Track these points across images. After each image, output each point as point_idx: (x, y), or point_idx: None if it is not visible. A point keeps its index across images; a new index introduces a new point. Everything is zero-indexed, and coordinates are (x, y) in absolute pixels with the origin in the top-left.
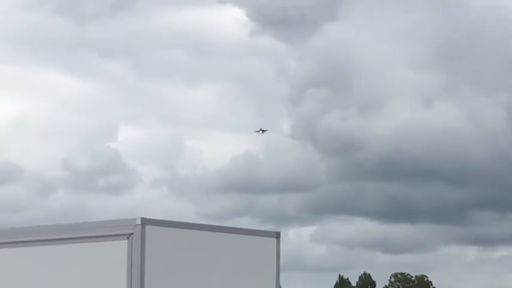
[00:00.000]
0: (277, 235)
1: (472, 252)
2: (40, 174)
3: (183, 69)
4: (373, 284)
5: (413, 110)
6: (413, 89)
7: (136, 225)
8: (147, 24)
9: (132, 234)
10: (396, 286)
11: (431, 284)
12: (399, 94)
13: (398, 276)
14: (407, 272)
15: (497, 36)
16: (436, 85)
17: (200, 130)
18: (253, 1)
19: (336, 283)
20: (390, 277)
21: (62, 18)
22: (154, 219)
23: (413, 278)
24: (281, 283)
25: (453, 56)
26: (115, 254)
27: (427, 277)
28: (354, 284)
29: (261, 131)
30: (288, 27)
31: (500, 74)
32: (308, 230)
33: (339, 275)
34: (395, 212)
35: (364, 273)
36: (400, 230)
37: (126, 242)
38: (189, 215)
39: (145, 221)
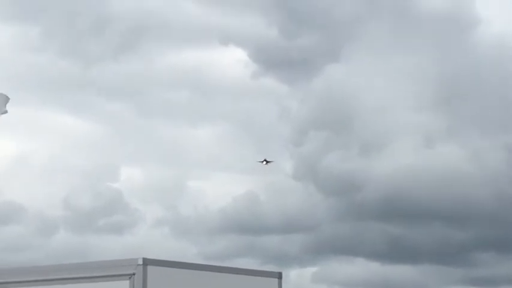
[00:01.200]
0: (279, 275)
1: None
2: (42, 214)
3: (185, 110)
4: None
5: (415, 150)
6: (415, 130)
7: (138, 265)
8: (149, 66)
9: (134, 274)
10: None
11: None
12: (401, 135)
13: None
14: None
15: (498, 77)
16: (438, 126)
17: (202, 170)
18: (256, 43)
19: None
20: None
21: (65, 61)
22: (155, 260)
23: None
24: None
25: (455, 97)
26: None
27: None
28: None
29: (265, 162)
30: (290, 69)
31: (502, 116)
32: (309, 271)
33: None
34: (396, 252)
35: None
36: (401, 271)
37: (128, 282)
38: (191, 254)
39: (147, 261)
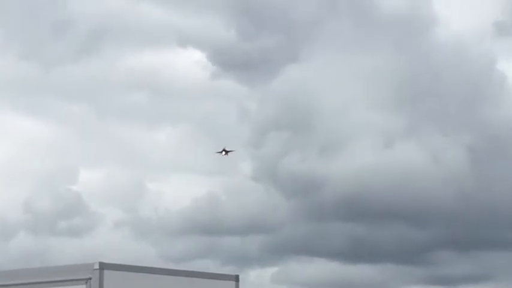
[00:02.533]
0: (236, 278)
1: None
2: (1, 217)
3: (144, 112)
4: None
5: (375, 150)
6: (374, 130)
7: (95, 269)
8: (109, 68)
9: (90, 279)
10: None
11: None
12: (360, 135)
13: None
14: None
15: (457, 77)
16: (397, 126)
17: (161, 172)
18: (214, 44)
19: None
20: None
21: (25, 63)
22: (112, 264)
23: None
24: None
25: (414, 97)
26: None
27: None
28: None
29: (224, 152)
30: (249, 70)
31: (461, 115)
32: (269, 271)
33: None
34: (356, 252)
35: None
36: (361, 271)
37: (84, 286)
38: (151, 257)
39: (103, 266)
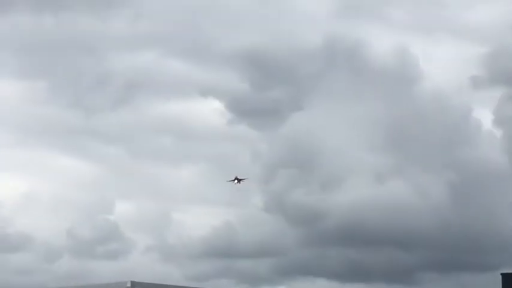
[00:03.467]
0: None
1: None
2: (47, 243)
3: (170, 153)
4: None
5: (368, 186)
6: (368, 168)
7: (127, 287)
8: (140, 115)
9: None
10: None
11: None
12: (356, 172)
13: None
14: None
15: (439, 122)
16: (387, 165)
17: (185, 204)
18: (230, 95)
19: None
20: None
21: (70, 111)
22: (142, 282)
23: None
24: None
25: (402, 140)
26: None
27: None
28: None
29: (236, 181)
30: (260, 117)
31: (442, 155)
32: None
33: None
34: (353, 273)
35: None
36: None
37: None
38: (175, 277)
39: (134, 284)
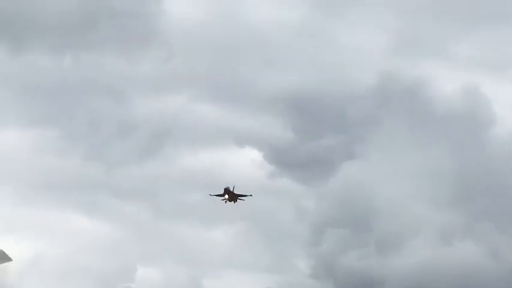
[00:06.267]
0: None
1: None
2: None
3: (200, 211)
4: None
5: (433, 247)
6: (432, 227)
7: None
8: (167, 168)
9: None
10: None
11: None
12: (418, 232)
13: None
14: None
15: None
16: (455, 223)
17: (217, 270)
18: (271, 144)
19: None
20: None
21: (89, 164)
22: None
23: None
24: None
25: (471, 194)
26: None
27: None
28: None
29: (225, 197)
30: (305, 169)
31: None
32: None
33: None
34: None
35: None
36: None
37: None
38: None
39: None
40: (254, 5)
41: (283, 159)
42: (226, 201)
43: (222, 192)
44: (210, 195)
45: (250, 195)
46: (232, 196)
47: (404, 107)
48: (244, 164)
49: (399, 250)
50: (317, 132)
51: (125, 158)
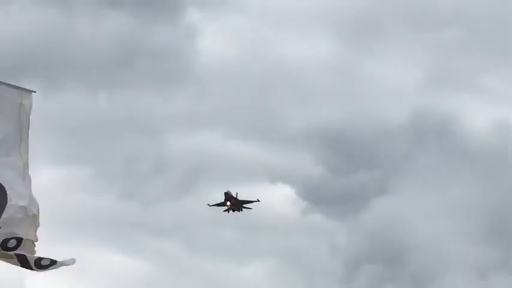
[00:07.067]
0: None
1: None
2: None
3: (233, 247)
4: None
5: (469, 284)
6: (468, 263)
7: None
8: (201, 204)
9: None
10: None
11: None
12: (454, 268)
13: None
14: None
15: None
16: (491, 257)
17: None
18: (304, 180)
19: None
20: None
21: (124, 202)
22: None
23: None
24: None
25: (506, 227)
26: None
27: None
28: None
29: (227, 207)
30: (338, 205)
31: None
32: None
33: None
34: None
35: None
36: None
37: None
38: None
39: None
40: (286, 42)
41: (316, 195)
42: (228, 211)
43: (222, 199)
44: (209, 205)
45: (258, 201)
46: (235, 203)
47: (437, 142)
48: (277, 200)
49: (434, 285)
50: (349, 168)
51: (160, 195)
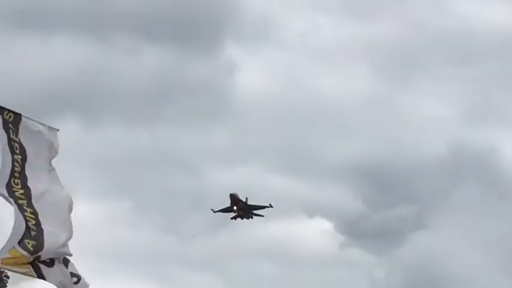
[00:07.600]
0: None
1: None
2: None
3: (271, 282)
4: None
5: None
6: None
7: None
8: (238, 238)
9: None
10: None
11: None
12: None
13: None
14: None
15: None
16: None
17: None
18: (342, 214)
19: None
20: None
21: (163, 237)
22: None
23: None
24: None
25: None
26: None
27: None
28: None
29: (235, 213)
30: (376, 239)
31: None
32: None
33: None
34: None
35: None
36: None
37: None
38: None
39: None
40: (324, 76)
41: (353, 230)
42: (236, 218)
43: (229, 205)
44: (214, 211)
45: (270, 206)
46: (243, 208)
47: (475, 176)
48: (315, 235)
49: None
50: (387, 202)
51: (197, 229)
